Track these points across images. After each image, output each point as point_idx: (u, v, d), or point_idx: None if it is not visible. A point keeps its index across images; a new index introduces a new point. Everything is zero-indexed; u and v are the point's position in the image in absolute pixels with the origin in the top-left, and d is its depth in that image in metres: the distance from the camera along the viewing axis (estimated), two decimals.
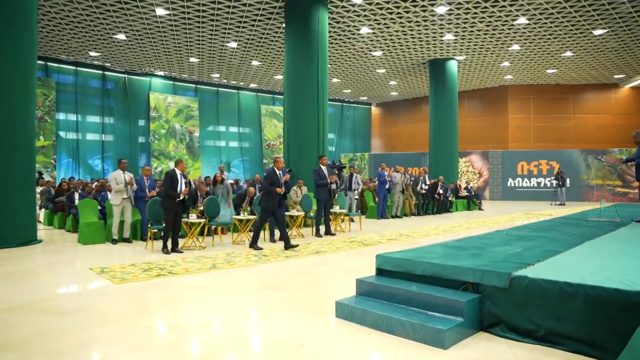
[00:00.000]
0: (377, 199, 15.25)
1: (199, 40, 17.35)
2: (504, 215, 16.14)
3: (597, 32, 16.89)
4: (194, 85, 24.90)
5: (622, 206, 10.77)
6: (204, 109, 25.21)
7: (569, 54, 19.63)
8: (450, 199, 18.19)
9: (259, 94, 27.49)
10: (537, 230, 7.27)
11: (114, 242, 9.64)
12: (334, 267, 7.17)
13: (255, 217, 10.12)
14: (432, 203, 16.96)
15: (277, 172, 8.81)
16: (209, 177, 13.55)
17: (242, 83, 25.54)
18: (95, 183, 12.89)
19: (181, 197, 8.52)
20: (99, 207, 10.61)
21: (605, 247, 5.53)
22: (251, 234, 10.46)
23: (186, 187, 8.69)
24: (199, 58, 19.94)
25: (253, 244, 8.75)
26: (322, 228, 11.15)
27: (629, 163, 8.22)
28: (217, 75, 23.34)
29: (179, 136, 23.80)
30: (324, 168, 10.80)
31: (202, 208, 9.80)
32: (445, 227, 12.64)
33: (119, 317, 4.58)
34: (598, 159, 10.61)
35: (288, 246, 8.65)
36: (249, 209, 10.35)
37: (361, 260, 7.58)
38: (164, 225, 8.54)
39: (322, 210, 10.78)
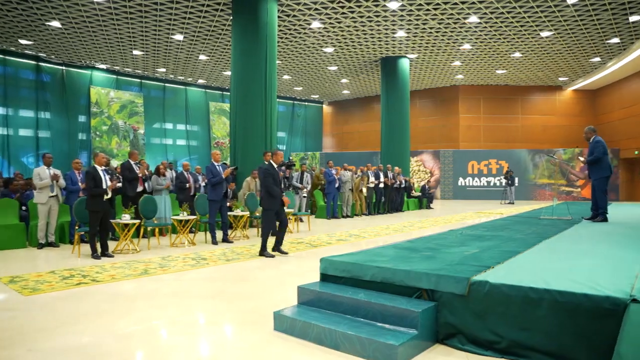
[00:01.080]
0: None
1: (142, 31, 16.40)
2: (456, 214, 16.02)
3: (544, 34, 17.02)
4: (139, 80, 23.74)
5: (570, 204, 10.72)
6: (149, 105, 24.07)
7: (517, 55, 19.77)
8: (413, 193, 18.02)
9: (207, 90, 26.57)
10: (492, 229, 7.07)
11: (40, 246, 8.75)
12: (277, 271, 6.60)
13: (195, 217, 9.42)
14: (386, 201, 16.66)
15: (274, 165, 7.68)
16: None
17: (189, 79, 24.59)
18: (22, 181, 11.81)
19: (109, 195, 7.75)
20: (24, 208, 9.66)
21: (563, 246, 5.30)
22: (192, 235, 9.76)
23: (112, 181, 7.94)
24: (143, 51, 18.93)
25: (263, 251, 7.73)
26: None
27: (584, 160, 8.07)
28: (164, 69, 22.32)
29: (122, 133, 22.61)
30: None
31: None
32: (397, 226, 12.32)
33: (13, 338, 3.85)
34: (550, 156, 10.55)
35: (277, 249, 7.83)
36: (189, 209, 9.63)
37: (307, 263, 7.06)
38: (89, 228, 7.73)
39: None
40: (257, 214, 10.91)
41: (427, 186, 19.97)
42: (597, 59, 20.40)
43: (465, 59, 20.66)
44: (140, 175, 9.85)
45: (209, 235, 9.48)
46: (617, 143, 23.91)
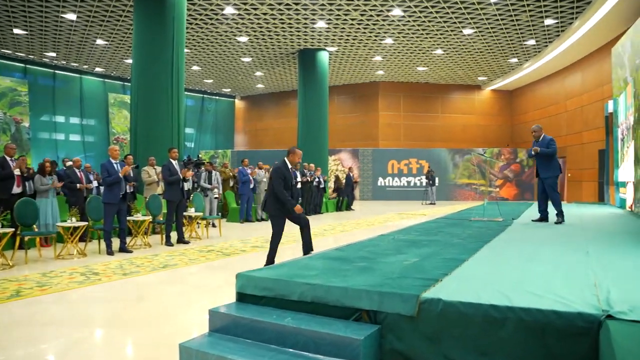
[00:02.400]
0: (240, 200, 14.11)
1: (24, 5, 14.81)
2: (377, 216, 15.91)
3: (466, 32, 17.35)
4: (22, 65, 21.64)
5: (494, 204, 10.82)
6: (36, 95, 22.02)
7: (439, 52, 20.09)
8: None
9: (106, 80, 24.90)
10: (425, 233, 6.80)
11: None
12: (185, 286, 5.89)
13: (86, 223, 8.43)
14: (303, 202, 16.22)
15: (289, 165, 6.71)
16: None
17: (85, 66, 22.86)
18: None
19: None
20: None
21: (506, 251, 5.08)
22: (81, 244, 8.73)
23: None
24: (26, 30, 17.16)
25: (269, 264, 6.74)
26: (174, 235, 9.74)
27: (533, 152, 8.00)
28: (53, 54, 20.51)
29: (1, 125, 20.53)
30: (174, 163, 9.42)
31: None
32: (317, 229, 11.91)
33: None
34: (481, 154, 10.59)
35: (307, 251, 6.83)
36: (78, 214, 8.59)
37: (220, 276, 6.42)
38: None
39: (174, 214, 9.39)
40: (161, 219, 10.05)
41: (351, 174, 19.70)
42: (515, 59, 21.22)
43: (387, 54, 20.73)
44: (17, 173, 8.68)
45: (103, 244, 8.51)
46: (532, 144, 24.98)
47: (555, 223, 7.92)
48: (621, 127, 13.32)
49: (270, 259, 6.59)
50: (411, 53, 20.51)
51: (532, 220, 8.35)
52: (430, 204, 22.14)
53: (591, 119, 19.37)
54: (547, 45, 18.77)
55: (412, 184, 25.45)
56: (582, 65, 20.40)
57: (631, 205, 11.30)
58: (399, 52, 20.41)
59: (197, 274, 6.68)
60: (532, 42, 18.36)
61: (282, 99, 29.55)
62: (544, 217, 8.26)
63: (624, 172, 12.49)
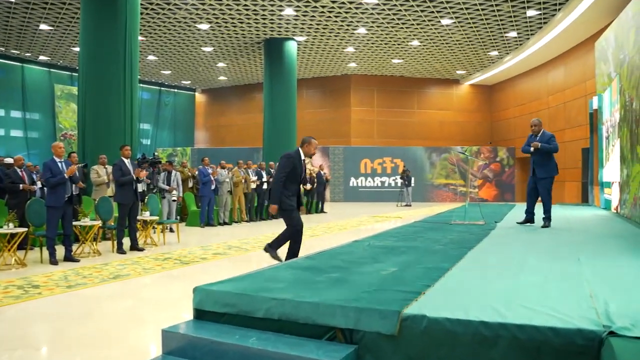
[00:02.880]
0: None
1: None
2: (350, 219, 15.83)
3: (444, 22, 17.41)
4: None
5: (476, 207, 10.85)
6: None
7: (415, 43, 20.14)
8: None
9: (52, 69, 24.23)
10: (402, 238, 6.74)
11: None
12: (137, 301, 5.64)
13: (25, 229, 8.06)
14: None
15: (302, 156, 6.48)
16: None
17: (28, 54, 22.20)
18: None
19: None
20: None
21: (492, 259, 5.05)
22: (20, 253, 8.35)
23: None
24: None
25: (272, 248, 6.48)
26: (127, 242, 9.45)
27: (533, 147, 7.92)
28: None
29: None
30: (127, 161, 9.12)
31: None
32: None
33: None
34: (461, 152, 10.56)
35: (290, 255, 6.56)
36: (16, 220, 8.20)
37: (178, 288, 6.19)
38: None
39: (126, 218, 9.09)
40: (112, 224, 9.72)
41: (321, 172, 19.52)
42: (495, 52, 21.42)
43: (360, 45, 20.69)
44: None
45: (46, 252, 8.15)
46: (513, 142, 25.39)
47: (542, 227, 7.91)
48: (606, 124, 13.51)
49: (276, 244, 6.39)
50: (386, 44, 20.51)
51: (517, 223, 8.34)
52: (406, 205, 22.18)
53: (574, 116, 19.68)
54: (529, 38, 18.98)
55: (386, 184, 25.49)
56: (565, 60, 20.72)
57: (617, 207, 11.45)
58: (372, 43, 20.38)
59: (151, 286, 6.44)
60: (513, 34, 18.53)
61: (246, 93, 29.30)
62: (530, 219, 8.24)
63: (609, 171, 12.68)
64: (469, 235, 6.91)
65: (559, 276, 4.08)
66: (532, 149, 7.85)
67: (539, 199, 8.11)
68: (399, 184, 23.71)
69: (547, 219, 7.97)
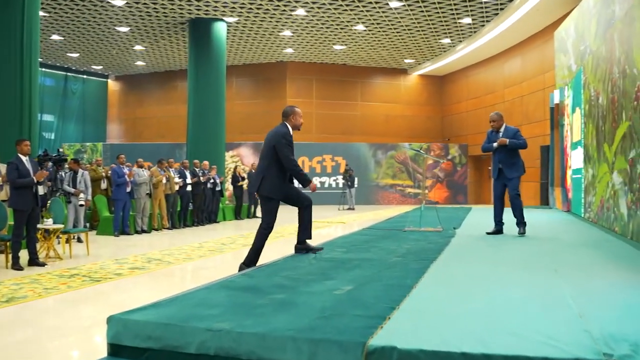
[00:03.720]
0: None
1: None
2: (287, 225, 15.59)
3: (393, 5, 17.52)
4: None
5: (433, 210, 10.92)
6: None
7: (360, 27, 20.18)
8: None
9: None
10: (352, 249, 6.74)
11: None
12: (37, 330, 5.21)
13: None
14: (195, 208, 15.64)
15: (291, 132, 6.32)
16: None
17: None
18: None
19: None
20: None
21: (460, 273, 5.06)
22: None
23: None
24: None
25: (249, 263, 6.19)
26: (24, 255, 8.89)
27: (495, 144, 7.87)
28: None
29: None
30: (25, 159, 8.53)
31: None
32: (214, 244, 11.47)
33: None
34: (417, 150, 10.61)
35: (305, 237, 6.51)
36: None
37: (88, 313, 5.83)
38: None
39: (24, 227, 8.55)
40: (6, 234, 9.12)
41: (253, 171, 19.17)
42: (447, 40, 21.77)
43: (298, 29, 20.60)
44: None
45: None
46: (465, 138, 25.87)
47: (519, 234, 7.88)
48: (567, 120, 13.89)
49: (254, 259, 6.14)
50: (327, 28, 20.47)
51: (487, 233, 8.15)
52: (349, 209, 22.18)
53: (532, 110, 20.22)
54: (484, 25, 19.34)
55: (326, 185, 25.50)
56: (522, 50, 21.31)
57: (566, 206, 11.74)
58: (312, 27, 20.32)
59: (55, 311, 6.00)
60: (467, 20, 18.82)
61: (168, 81, 28.88)
62: (500, 229, 8.10)
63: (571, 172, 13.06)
64: (427, 245, 6.91)
65: (538, 292, 4.10)
66: (495, 145, 7.78)
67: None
68: (341, 185, 23.69)
69: (523, 224, 7.94)
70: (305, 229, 6.43)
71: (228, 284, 4.47)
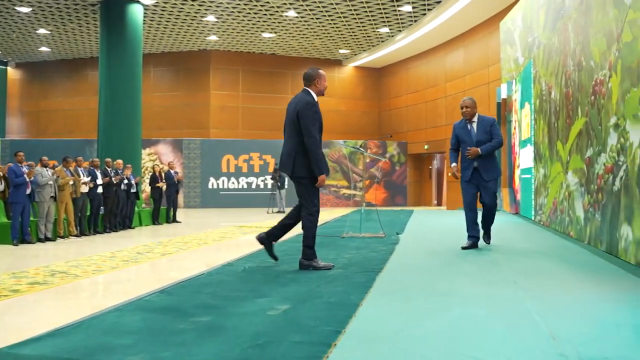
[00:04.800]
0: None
1: None
2: (211, 230, 15.35)
3: None
4: None
5: (371, 213, 10.90)
6: None
7: (292, 13, 20.06)
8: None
9: None
10: (288, 259, 6.56)
11: None
12: None
13: None
14: (107, 212, 15.12)
15: (315, 99, 6.02)
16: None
17: None
18: None
19: None
20: None
21: (411, 286, 4.99)
22: None
23: None
24: None
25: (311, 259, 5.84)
26: None
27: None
28: None
29: None
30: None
31: None
32: (128, 254, 11.02)
33: None
34: (357, 148, 10.50)
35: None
36: None
37: None
38: None
39: None
40: None
41: (172, 171, 18.65)
42: (386, 29, 21.89)
43: (223, 14, 20.37)
44: None
45: None
46: (405, 135, 26.13)
47: (485, 243, 7.38)
48: (515, 116, 14.10)
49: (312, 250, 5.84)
50: (255, 13, 20.28)
51: (463, 248, 7.13)
52: (279, 212, 21.99)
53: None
54: (425, 14, 19.53)
55: (254, 185, 25.35)
56: (465, 41, 21.66)
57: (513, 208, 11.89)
58: (239, 12, 20.10)
59: None
60: (408, 8, 18.94)
61: (77, 69, 28.14)
62: (476, 242, 7.20)
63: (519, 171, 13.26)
64: (370, 253, 6.84)
65: (501, 307, 4.00)
66: (468, 156, 6.98)
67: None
68: (270, 186, 23.50)
69: (489, 234, 7.46)
70: (282, 229, 6.15)
71: (144, 304, 4.19)
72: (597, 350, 2.92)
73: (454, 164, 7.19)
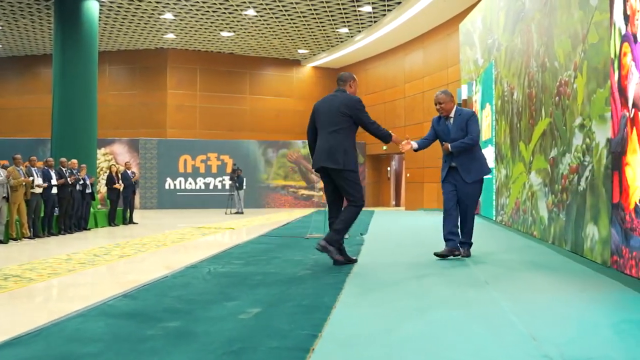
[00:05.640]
0: None
1: None
2: (169, 232, 15.10)
3: None
4: None
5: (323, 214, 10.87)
6: None
7: (251, 12, 19.93)
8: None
9: None
10: (252, 261, 6.42)
11: None
12: None
13: None
14: (61, 214, 14.75)
15: None
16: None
17: None
18: None
19: None
20: None
21: (382, 286, 4.88)
22: None
23: None
24: None
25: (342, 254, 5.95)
26: None
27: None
28: None
29: None
30: None
31: None
32: (84, 256, 10.72)
33: None
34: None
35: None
36: None
37: None
38: None
39: None
40: None
41: (128, 171, 18.29)
42: (345, 30, 21.88)
43: (181, 11, 20.14)
44: None
45: None
46: (363, 136, 25.87)
47: (463, 255, 6.44)
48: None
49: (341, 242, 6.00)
50: (214, 12, 20.07)
51: (436, 254, 6.37)
52: (237, 212, 21.80)
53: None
54: (385, 14, 19.56)
55: (212, 186, 25.13)
56: (424, 42, 21.77)
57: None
58: (197, 10, 19.87)
59: None
60: (367, 8, 18.94)
61: (29, 67, 27.53)
62: (455, 247, 6.39)
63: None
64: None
65: (476, 308, 3.95)
66: (445, 151, 6.39)
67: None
68: (228, 187, 23.30)
69: (469, 244, 6.65)
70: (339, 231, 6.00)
71: (107, 309, 3.98)
72: (580, 351, 2.89)
73: (412, 141, 6.71)
